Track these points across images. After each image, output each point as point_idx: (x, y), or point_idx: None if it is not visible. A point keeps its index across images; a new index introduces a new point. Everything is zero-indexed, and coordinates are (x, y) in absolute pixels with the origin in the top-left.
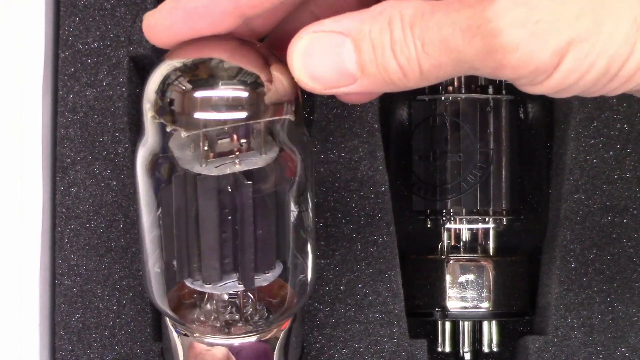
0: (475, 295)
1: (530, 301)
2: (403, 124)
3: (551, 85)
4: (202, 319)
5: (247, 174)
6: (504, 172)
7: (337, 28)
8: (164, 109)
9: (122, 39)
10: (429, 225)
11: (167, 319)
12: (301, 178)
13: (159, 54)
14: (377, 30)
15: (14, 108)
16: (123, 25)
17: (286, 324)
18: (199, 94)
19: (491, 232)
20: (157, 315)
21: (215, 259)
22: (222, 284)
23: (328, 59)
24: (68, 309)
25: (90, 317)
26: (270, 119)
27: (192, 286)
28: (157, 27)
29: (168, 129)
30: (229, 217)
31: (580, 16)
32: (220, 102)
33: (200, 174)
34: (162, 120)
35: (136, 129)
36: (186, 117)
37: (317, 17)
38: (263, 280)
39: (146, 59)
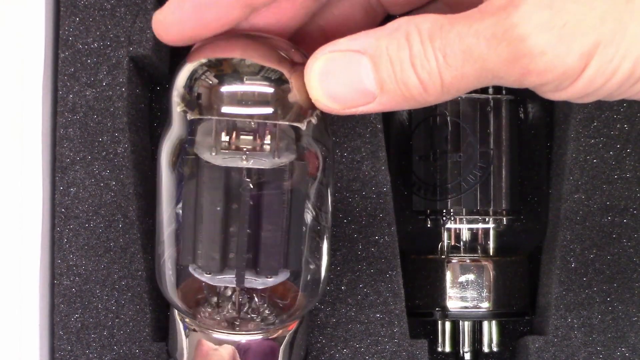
0: (476, 295)
1: (530, 301)
2: (403, 124)
3: (576, 90)
4: (210, 312)
5: (261, 173)
6: (504, 172)
7: (354, 46)
8: (191, 101)
9: (122, 39)
10: (429, 225)
11: (176, 313)
12: (320, 180)
13: (159, 55)
14: (394, 46)
15: (14, 108)
16: (123, 26)
17: (294, 325)
18: (226, 87)
19: (491, 232)
20: (157, 315)
21: (214, 249)
22: (221, 276)
23: (346, 79)
24: (67, 309)
25: (89, 317)
26: (293, 121)
27: (193, 273)
28: (166, 22)
29: (190, 117)
30: (235, 212)
31: (604, 18)
32: (246, 96)
33: (208, 162)
34: (186, 109)
35: (135, 129)
36: (211, 106)
37: (324, 31)
38: (261, 283)
39: (146, 59)
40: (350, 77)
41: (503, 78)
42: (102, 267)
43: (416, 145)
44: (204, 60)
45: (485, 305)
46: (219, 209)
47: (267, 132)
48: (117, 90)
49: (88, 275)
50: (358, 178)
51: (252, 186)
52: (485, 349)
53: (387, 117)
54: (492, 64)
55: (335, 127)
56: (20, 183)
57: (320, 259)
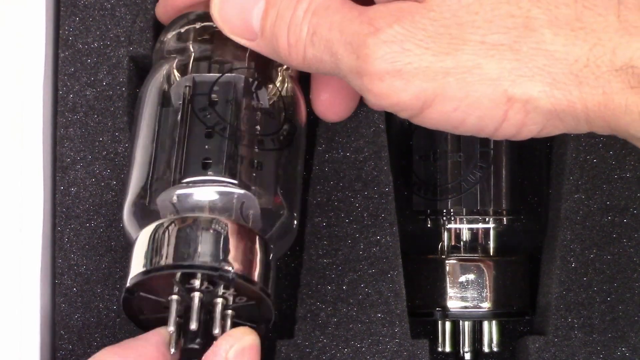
0: (476, 295)
1: (530, 301)
2: (403, 124)
3: (431, 123)
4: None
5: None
6: (504, 172)
7: None
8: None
9: (122, 39)
10: (429, 225)
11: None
12: (293, 119)
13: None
14: (286, 3)
15: (14, 108)
16: (123, 25)
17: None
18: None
19: (491, 232)
20: None
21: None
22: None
23: (240, 10)
24: (68, 309)
25: (90, 316)
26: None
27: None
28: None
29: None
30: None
31: (448, 74)
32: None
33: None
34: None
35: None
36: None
37: None
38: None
39: (146, 59)
40: (244, 10)
41: (351, 83)
42: (103, 267)
43: (416, 145)
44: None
45: (486, 305)
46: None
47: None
48: (117, 90)
49: (89, 275)
50: (360, 178)
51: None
52: (486, 349)
53: (388, 117)
54: (343, 66)
55: (338, 127)
56: (21, 183)
57: (292, 191)
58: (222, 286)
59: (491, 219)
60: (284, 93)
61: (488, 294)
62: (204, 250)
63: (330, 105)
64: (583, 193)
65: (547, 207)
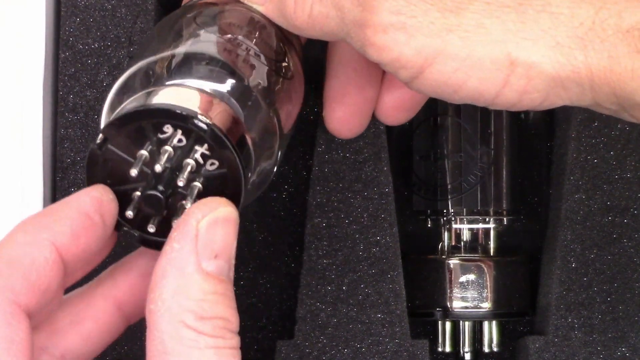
0: (476, 295)
1: (531, 301)
2: (404, 124)
3: (427, 87)
4: None
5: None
6: (504, 172)
7: None
8: None
9: (123, 39)
10: (429, 225)
11: None
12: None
13: None
14: None
15: (14, 108)
16: (123, 26)
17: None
18: None
19: (492, 232)
20: None
21: None
22: None
23: None
24: None
25: None
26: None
27: None
28: None
29: None
30: None
31: (452, 32)
32: None
33: None
34: None
35: None
36: None
37: None
38: None
39: None
40: None
41: (353, 39)
42: (104, 268)
43: (417, 146)
44: None
45: (486, 305)
46: None
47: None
48: None
49: (89, 276)
50: (360, 179)
51: None
52: (486, 349)
53: None
54: (347, 20)
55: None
56: (21, 184)
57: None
58: (194, 143)
59: (491, 219)
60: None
61: (488, 294)
62: (183, 99)
63: (344, 123)
64: (583, 193)
65: (547, 207)
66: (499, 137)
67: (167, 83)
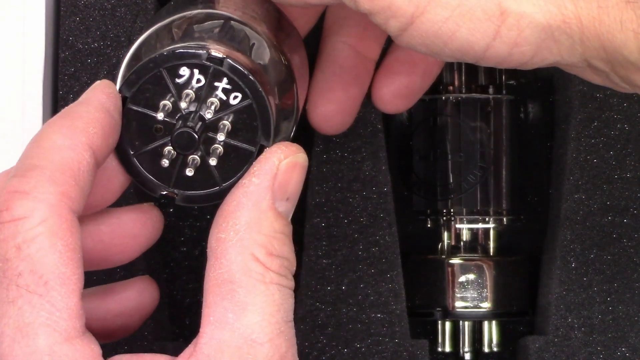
0: (476, 295)
1: (531, 301)
2: (403, 124)
3: (417, 38)
4: None
5: None
6: (504, 172)
7: None
8: None
9: (123, 39)
10: (429, 225)
11: None
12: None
13: None
14: None
15: (14, 108)
16: (123, 25)
17: None
18: None
19: (491, 232)
20: (158, 314)
21: None
22: None
23: None
24: None
25: None
26: None
27: None
28: None
29: None
30: None
31: None
32: None
33: None
34: None
35: None
36: None
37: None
38: None
39: None
40: None
41: None
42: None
43: (416, 146)
44: None
45: (486, 305)
46: None
47: None
48: None
49: (89, 276)
50: (359, 178)
51: None
52: (486, 349)
53: (388, 117)
54: None
55: None
56: None
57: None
58: (213, 79)
59: (491, 219)
60: None
61: (488, 294)
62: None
63: (326, 119)
64: (583, 193)
65: (547, 207)
66: (499, 137)
67: (177, 40)
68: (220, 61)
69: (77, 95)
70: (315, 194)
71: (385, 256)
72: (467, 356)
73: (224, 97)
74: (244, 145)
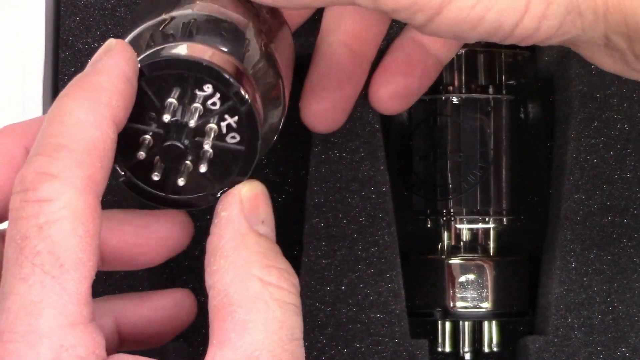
0: (476, 295)
1: (531, 301)
2: (403, 124)
3: (441, 27)
4: None
5: None
6: (504, 172)
7: None
8: None
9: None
10: (429, 225)
11: None
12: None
13: None
14: None
15: (14, 108)
16: (123, 25)
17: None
18: None
19: (491, 232)
20: None
21: None
22: None
23: None
24: None
25: None
26: None
27: None
28: None
29: None
30: None
31: None
32: None
33: None
34: None
35: None
36: None
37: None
38: None
39: None
40: None
41: None
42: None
43: (416, 145)
44: None
45: (486, 305)
46: None
47: None
48: None
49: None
50: (357, 178)
51: None
52: (486, 349)
53: (387, 118)
54: None
55: None
56: None
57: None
58: (196, 85)
59: (491, 219)
60: None
61: (488, 294)
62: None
63: (319, 117)
64: (583, 193)
65: (547, 207)
66: (499, 137)
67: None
68: (200, 66)
69: None
70: (314, 194)
71: (384, 256)
72: (467, 356)
73: (208, 101)
74: (233, 146)
